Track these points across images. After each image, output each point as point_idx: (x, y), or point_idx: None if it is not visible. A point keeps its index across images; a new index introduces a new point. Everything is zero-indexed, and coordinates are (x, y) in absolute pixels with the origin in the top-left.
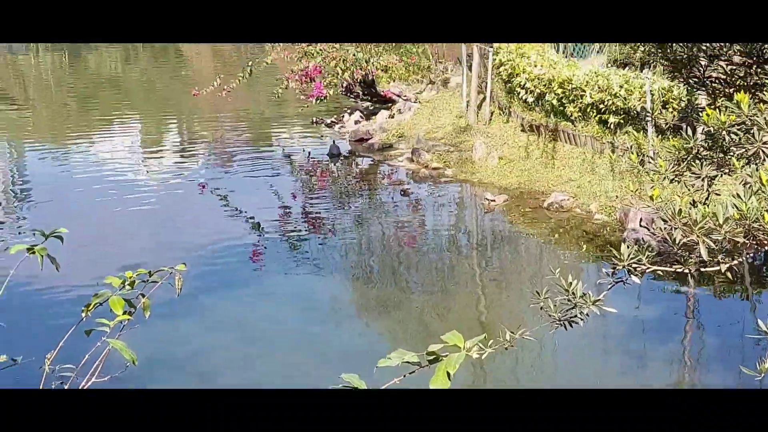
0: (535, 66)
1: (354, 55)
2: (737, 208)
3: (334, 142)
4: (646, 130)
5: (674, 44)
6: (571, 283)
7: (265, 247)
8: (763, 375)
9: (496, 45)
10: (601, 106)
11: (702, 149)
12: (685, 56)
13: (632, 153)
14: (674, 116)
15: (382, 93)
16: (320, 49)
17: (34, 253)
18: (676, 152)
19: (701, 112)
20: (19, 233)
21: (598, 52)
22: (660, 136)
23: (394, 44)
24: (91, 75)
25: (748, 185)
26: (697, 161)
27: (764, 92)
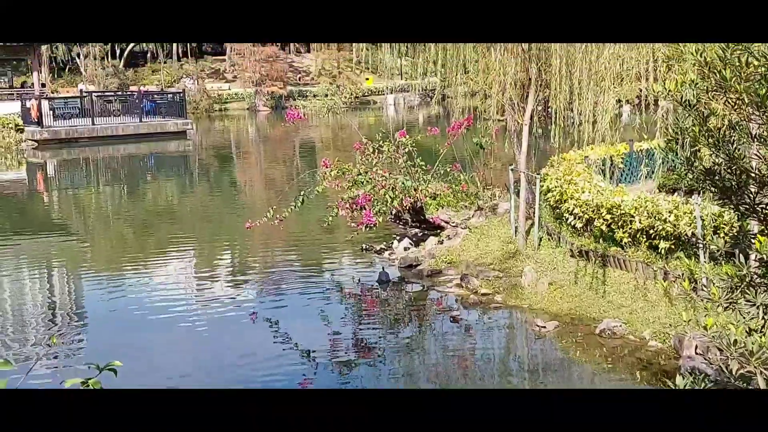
0: (583, 192)
1: (403, 183)
2: None
3: (383, 268)
4: (698, 256)
5: (722, 171)
6: None
7: (315, 374)
8: None
9: (543, 171)
10: (651, 231)
11: (756, 276)
12: (734, 183)
13: (685, 280)
14: (726, 242)
15: (430, 220)
16: (370, 178)
17: (88, 386)
18: (730, 279)
19: (753, 238)
20: (74, 364)
21: (646, 177)
22: (712, 263)
23: (443, 172)
24: (149, 205)
25: None
26: (751, 288)
27: None
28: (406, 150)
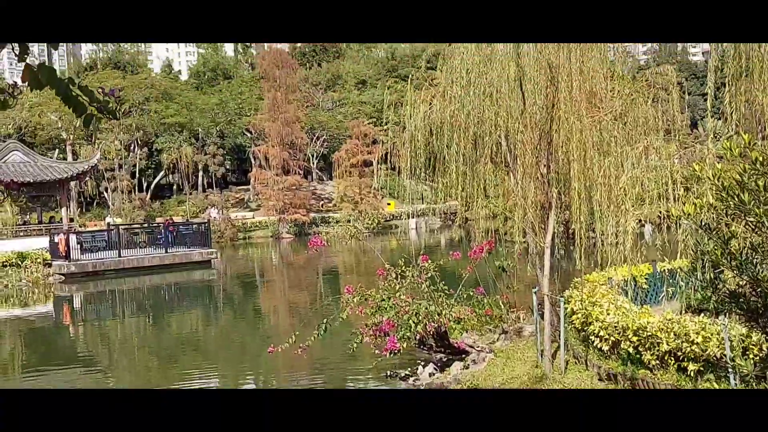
0: (608, 314)
1: (426, 308)
2: None
3: None
4: (728, 378)
5: (747, 293)
6: None
7: None
8: None
9: (566, 293)
10: (679, 353)
11: None
12: (760, 305)
13: None
14: (755, 365)
15: (455, 344)
16: (393, 304)
17: None
18: None
19: None
20: None
21: (670, 298)
22: (743, 385)
23: (466, 296)
24: (173, 335)
25: None
26: None
27: None
28: (429, 275)
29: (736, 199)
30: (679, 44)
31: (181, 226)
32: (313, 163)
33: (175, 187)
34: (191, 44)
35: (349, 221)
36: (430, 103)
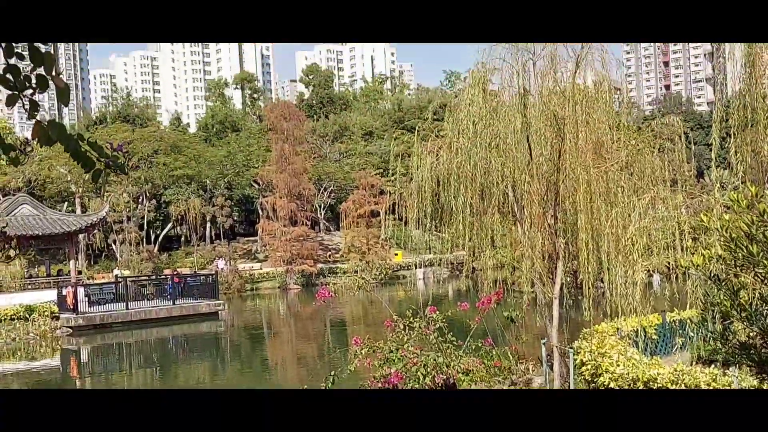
0: (618, 365)
1: (435, 359)
2: None
3: None
4: None
5: (758, 344)
6: None
7: None
8: None
9: (576, 344)
10: None
11: None
12: None
13: None
14: None
15: None
16: (401, 355)
17: None
18: None
19: None
20: None
21: (680, 349)
22: None
23: (474, 347)
24: (180, 387)
25: None
26: None
27: None
28: (437, 326)
29: (745, 250)
30: (684, 95)
31: (188, 278)
32: (321, 214)
33: (183, 238)
34: (199, 98)
35: (356, 272)
36: (437, 154)
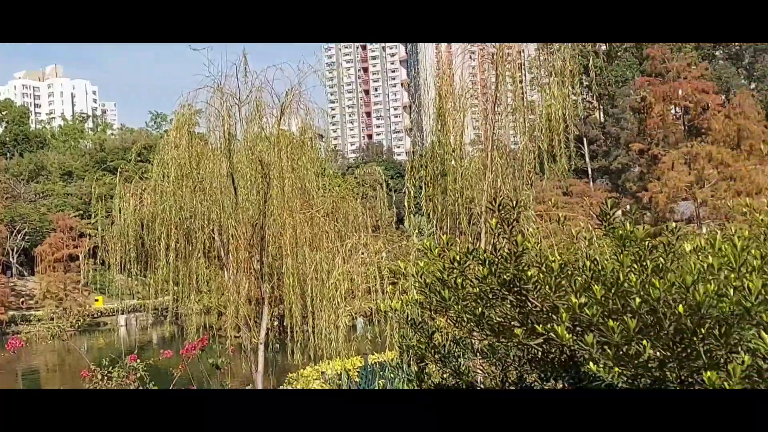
0: None
1: None
2: None
3: None
4: None
5: (451, 385)
6: None
7: None
8: None
9: (281, 389)
10: None
11: None
12: None
13: None
14: None
15: None
16: None
17: None
18: None
19: None
20: None
21: None
22: None
23: None
24: None
25: None
26: None
27: None
28: (138, 375)
29: (438, 295)
30: (385, 144)
31: None
32: (13, 258)
33: None
34: None
35: (52, 319)
36: (141, 197)
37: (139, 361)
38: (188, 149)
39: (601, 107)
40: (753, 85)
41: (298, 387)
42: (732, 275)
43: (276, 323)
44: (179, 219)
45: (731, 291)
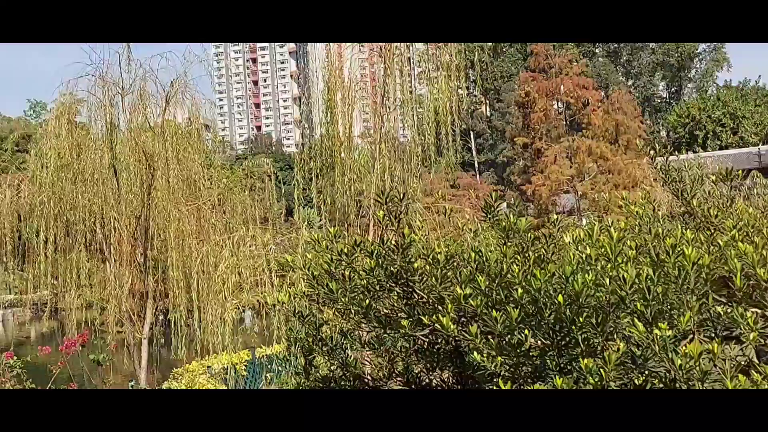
0: None
1: None
2: None
3: None
4: None
5: (337, 378)
6: None
7: None
8: None
9: (165, 385)
10: None
11: None
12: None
13: None
14: None
15: None
16: None
17: None
18: None
19: None
20: None
21: (269, 384)
22: None
23: None
24: None
25: None
26: None
27: None
28: (15, 372)
29: (326, 288)
30: (274, 136)
31: None
32: None
33: None
34: None
35: None
36: (18, 188)
37: (15, 358)
38: (68, 139)
39: (488, 101)
40: (630, 82)
41: (183, 382)
42: (608, 265)
43: (160, 318)
44: (59, 211)
45: (607, 281)
